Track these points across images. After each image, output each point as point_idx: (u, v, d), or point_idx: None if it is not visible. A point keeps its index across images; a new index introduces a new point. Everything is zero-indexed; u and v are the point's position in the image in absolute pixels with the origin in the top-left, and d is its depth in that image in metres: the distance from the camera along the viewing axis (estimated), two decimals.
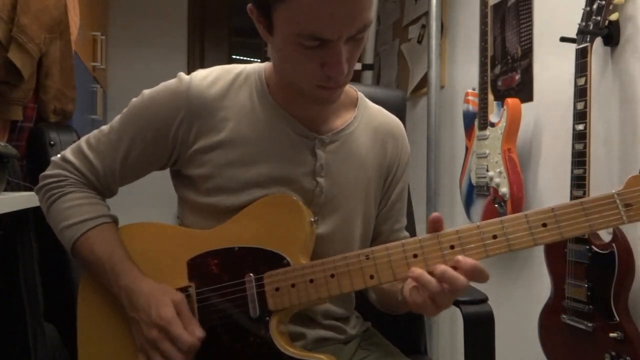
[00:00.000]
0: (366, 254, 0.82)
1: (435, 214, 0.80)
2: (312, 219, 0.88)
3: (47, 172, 0.96)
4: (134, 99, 0.93)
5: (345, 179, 0.95)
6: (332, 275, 0.82)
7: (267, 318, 0.84)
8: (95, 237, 0.90)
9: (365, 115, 1.00)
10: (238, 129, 0.89)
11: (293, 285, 0.83)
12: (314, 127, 0.92)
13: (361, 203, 0.97)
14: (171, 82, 0.91)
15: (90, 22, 2.44)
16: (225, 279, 0.86)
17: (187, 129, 0.89)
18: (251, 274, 0.85)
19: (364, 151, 0.97)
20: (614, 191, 0.75)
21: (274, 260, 0.85)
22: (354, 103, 1.00)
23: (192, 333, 0.81)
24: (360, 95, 1.02)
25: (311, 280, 0.83)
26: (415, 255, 0.79)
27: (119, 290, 0.86)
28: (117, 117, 0.94)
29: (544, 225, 0.76)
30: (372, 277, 0.81)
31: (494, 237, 0.77)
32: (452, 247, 0.78)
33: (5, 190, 1.12)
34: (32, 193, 1.09)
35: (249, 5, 0.81)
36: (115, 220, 0.95)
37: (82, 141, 0.96)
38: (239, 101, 0.90)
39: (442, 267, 0.76)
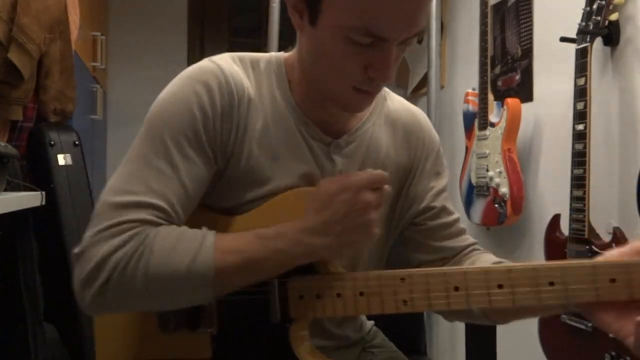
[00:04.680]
0: (402, 277, 0.74)
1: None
2: None
3: (107, 248, 0.67)
4: (150, 117, 0.76)
5: None
6: (362, 294, 0.75)
7: (288, 325, 0.79)
8: (223, 242, 0.72)
9: (383, 109, 0.92)
10: (266, 127, 0.81)
11: (318, 296, 0.77)
12: (329, 129, 0.85)
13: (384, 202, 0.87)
14: (192, 69, 0.78)
15: (90, 22, 2.44)
16: None
17: (220, 126, 0.77)
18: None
19: (383, 148, 0.90)
20: None
21: (300, 265, 0.77)
22: None
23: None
24: None
25: (338, 295, 0.76)
26: (456, 288, 0.72)
27: (286, 240, 0.72)
28: (136, 146, 0.74)
29: (613, 280, 0.68)
30: (405, 302, 0.74)
31: (551, 284, 0.69)
32: (500, 286, 0.71)
33: (5, 190, 1.12)
34: (32, 193, 1.09)
35: None
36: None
37: (109, 194, 0.71)
38: (263, 94, 0.82)
39: None
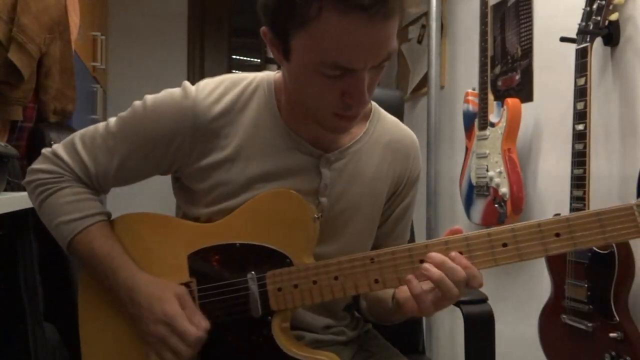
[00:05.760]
0: (371, 257, 0.80)
1: (455, 228, 0.78)
2: (315, 216, 0.85)
3: (38, 165, 0.92)
4: (137, 103, 0.89)
5: (349, 199, 0.91)
6: (336, 278, 0.80)
7: (269, 317, 0.83)
8: (94, 233, 0.88)
9: (377, 130, 0.95)
10: (242, 146, 0.87)
11: (296, 286, 0.82)
12: (320, 144, 0.89)
13: (368, 222, 0.95)
14: (176, 93, 0.87)
15: (90, 22, 2.44)
16: (226, 276, 0.85)
17: (189, 147, 0.87)
18: (253, 272, 0.83)
19: (371, 168, 0.93)
20: (633, 202, 0.72)
21: (276, 259, 0.83)
22: (366, 116, 0.95)
23: (198, 325, 0.81)
24: (375, 107, 0.97)
25: (314, 282, 0.81)
26: (421, 261, 0.77)
27: (119, 288, 0.85)
28: (116, 119, 0.91)
29: (557, 235, 0.73)
30: (376, 281, 0.79)
31: (504, 245, 0.75)
32: (460, 253, 0.76)
33: (5, 190, 1.12)
34: None
35: (263, 28, 0.78)
36: (109, 218, 0.93)
37: (77, 138, 0.92)
38: (245, 117, 0.87)
39: (440, 256, 0.75)
